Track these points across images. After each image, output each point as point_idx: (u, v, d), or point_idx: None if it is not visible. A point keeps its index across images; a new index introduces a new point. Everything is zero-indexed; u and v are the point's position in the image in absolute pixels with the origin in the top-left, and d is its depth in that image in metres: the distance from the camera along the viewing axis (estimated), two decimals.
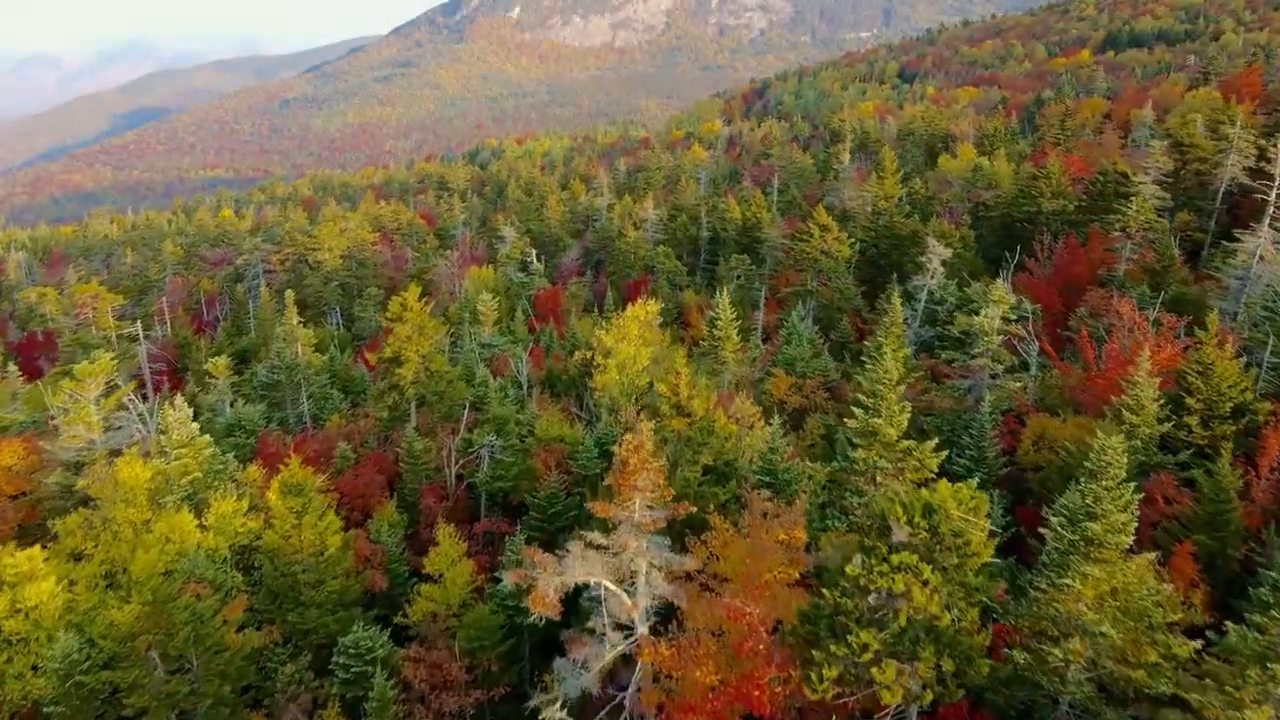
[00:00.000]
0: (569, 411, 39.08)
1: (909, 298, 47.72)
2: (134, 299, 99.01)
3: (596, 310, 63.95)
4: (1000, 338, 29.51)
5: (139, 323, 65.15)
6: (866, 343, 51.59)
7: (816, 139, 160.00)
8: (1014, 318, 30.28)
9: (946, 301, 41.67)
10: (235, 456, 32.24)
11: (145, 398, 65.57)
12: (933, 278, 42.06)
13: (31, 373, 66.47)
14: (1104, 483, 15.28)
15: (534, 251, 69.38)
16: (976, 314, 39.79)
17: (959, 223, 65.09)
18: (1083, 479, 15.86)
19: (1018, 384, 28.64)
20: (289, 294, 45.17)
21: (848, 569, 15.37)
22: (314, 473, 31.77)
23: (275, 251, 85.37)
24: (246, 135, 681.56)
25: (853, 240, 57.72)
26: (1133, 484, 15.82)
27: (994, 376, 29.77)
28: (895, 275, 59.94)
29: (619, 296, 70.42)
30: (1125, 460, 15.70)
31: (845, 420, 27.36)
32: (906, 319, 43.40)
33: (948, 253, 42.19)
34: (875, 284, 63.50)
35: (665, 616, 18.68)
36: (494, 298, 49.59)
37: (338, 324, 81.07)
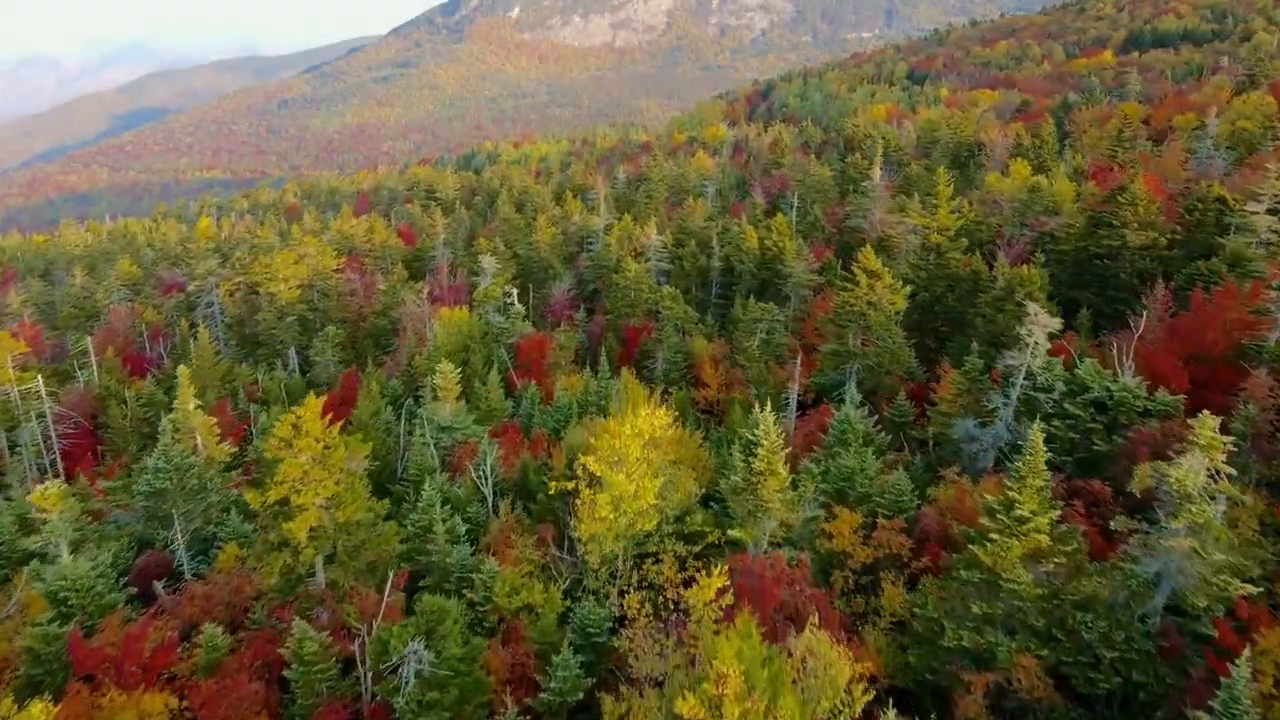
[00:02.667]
0: (546, 550, 28.34)
1: (983, 370, 37.00)
2: (78, 328, 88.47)
3: (589, 365, 53.22)
4: (1219, 510, 18.74)
5: (40, 378, 54.52)
6: (930, 420, 41.07)
7: (829, 145, 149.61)
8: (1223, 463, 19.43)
9: (1054, 389, 30.93)
10: (42, 663, 21.53)
11: (49, 476, 54.91)
12: (1034, 355, 31.34)
13: None
14: None
15: (515, 291, 58.53)
16: (1112, 399, 29.12)
17: (1026, 259, 54.33)
18: None
19: (1254, 587, 17.92)
20: (183, 370, 34.28)
21: None
22: (150, 691, 21.08)
23: (226, 279, 74.63)
24: (244, 136, 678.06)
25: (899, 283, 46.81)
26: None
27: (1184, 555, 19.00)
28: (959, 330, 49.04)
29: (618, 340, 59.71)
30: None
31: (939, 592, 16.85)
32: (998, 410, 32.69)
33: (1055, 323, 31.42)
34: (924, 331, 52.76)
35: None
36: (457, 369, 38.82)
37: (293, 368, 70.27)
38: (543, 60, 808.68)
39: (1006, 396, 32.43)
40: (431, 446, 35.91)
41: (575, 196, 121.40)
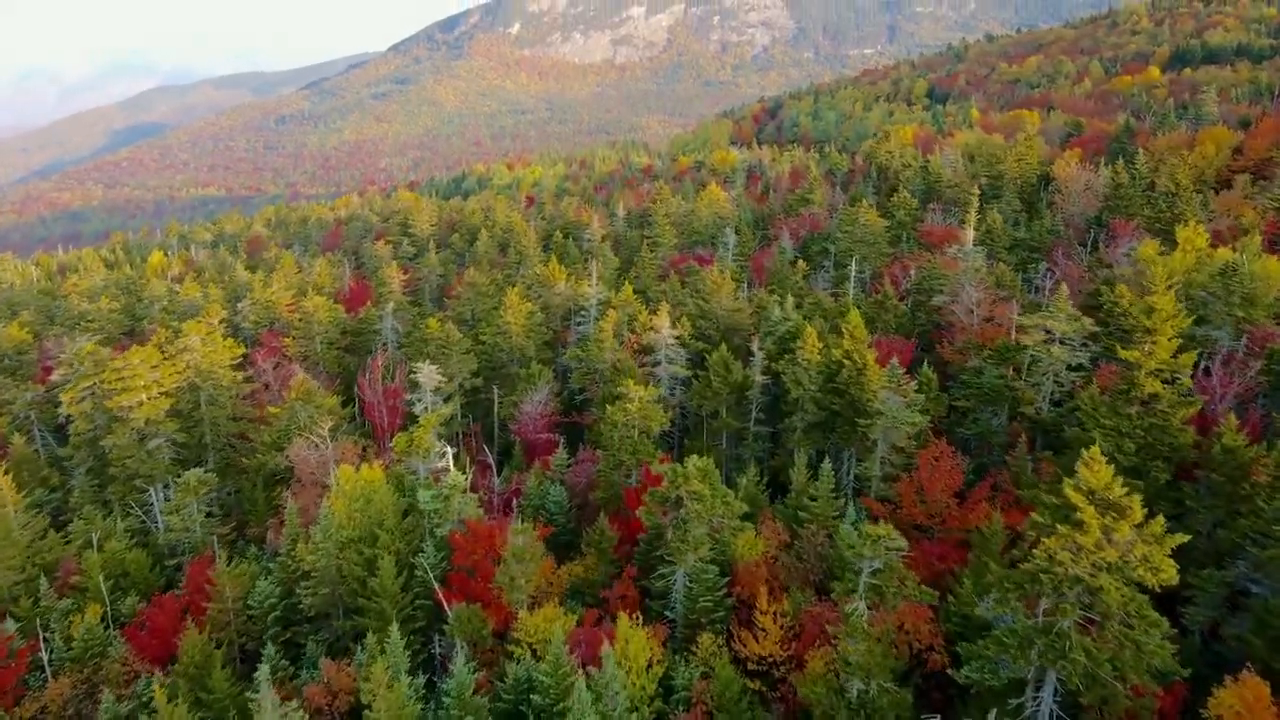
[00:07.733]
0: None
1: None
2: None
3: (569, 602, 32.30)
4: None
5: None
6: None
7: (857, 174, 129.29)
8: None
9: None
10: None
11: None
12: None
13: None
14: None
15: (449, 450, 37.47)
16: None
17: (1263, 398, 33.85)
18: None
19: None
20: None
21: None
22: None
23: (73, 383, 53.63)
24: (241, 152, 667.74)
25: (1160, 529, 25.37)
26: None
27: None
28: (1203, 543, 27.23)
29: (611, 514, 38.89)
30: None
31: None
32: None
33: None
34: None
35: None
36: (358, 574, 18.04)
37: (158, 519, 49.21)
38: (543, 76, 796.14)
39: None
40: None
41: (567, 238, 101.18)
